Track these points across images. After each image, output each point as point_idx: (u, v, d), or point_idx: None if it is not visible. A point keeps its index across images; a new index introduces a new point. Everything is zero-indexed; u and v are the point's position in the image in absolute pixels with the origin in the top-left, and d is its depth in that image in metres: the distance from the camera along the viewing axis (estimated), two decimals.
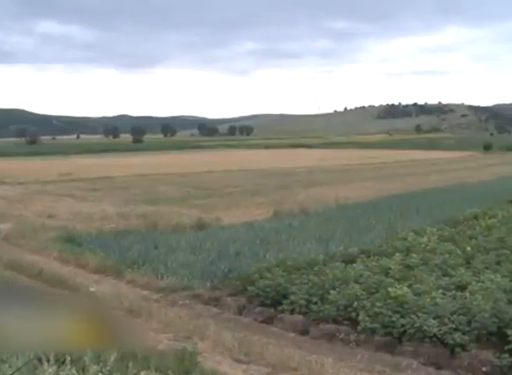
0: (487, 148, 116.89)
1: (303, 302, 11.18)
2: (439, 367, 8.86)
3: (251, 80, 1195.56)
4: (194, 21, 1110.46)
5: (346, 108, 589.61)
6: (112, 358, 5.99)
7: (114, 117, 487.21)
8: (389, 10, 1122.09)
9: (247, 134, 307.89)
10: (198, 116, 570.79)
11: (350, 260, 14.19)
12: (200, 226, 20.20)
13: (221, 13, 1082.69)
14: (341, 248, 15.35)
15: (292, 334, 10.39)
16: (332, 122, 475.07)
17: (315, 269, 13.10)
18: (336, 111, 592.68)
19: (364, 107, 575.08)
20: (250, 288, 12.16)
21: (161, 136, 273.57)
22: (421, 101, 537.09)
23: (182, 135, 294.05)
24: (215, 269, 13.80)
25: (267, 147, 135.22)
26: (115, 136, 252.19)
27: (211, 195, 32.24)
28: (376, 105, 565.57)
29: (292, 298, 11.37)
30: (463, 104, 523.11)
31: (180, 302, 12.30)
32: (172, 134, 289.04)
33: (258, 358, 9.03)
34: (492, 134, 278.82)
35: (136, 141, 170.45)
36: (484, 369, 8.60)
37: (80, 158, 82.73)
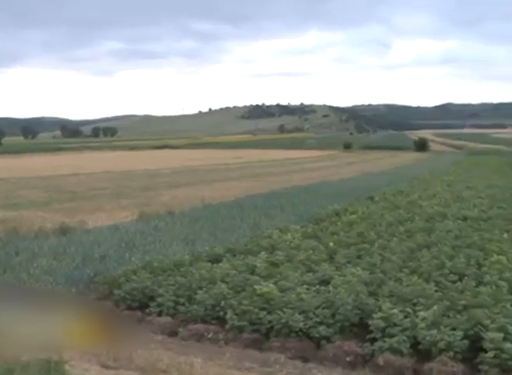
0: (347, 146, 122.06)
1: (170, 304, 11.12)
2: (305, 360, 9.07)
3: (115, 80, 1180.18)
4: (55, 19, 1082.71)
5: (210, 109, 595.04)
6: None
7: None
8: (249, 12, 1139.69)
9: (111, 136, 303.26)
10: (60, 117, 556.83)
11: (216, 260, 14.23)
12: (64, 230, 19.59)
13: (83, 12, 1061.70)
14: (207, 248, 15.38)
15: (160, 336, 10.29)
16: (197, 122, 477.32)
17: (182, 270, 13.05)
18: (200, 111, 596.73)
19: (228, 107, 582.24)
20: (116, 292, 11.95)
21: (21, 138, 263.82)
22: (284, 102, 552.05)
23: (44, 137, 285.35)
24: (80, 274, 13.44)
25: (131, 148, 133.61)
26: None
27: (75, 199, 31.37)
28: (240, 105, 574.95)
29: (159, 300, 11.27)
30: (324, 105, 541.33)
31: None
32: (34, 136, 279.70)
33: (127, 362, 8.89)
34: (351, 134, 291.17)
35: None
36: (348, 358, 8.91)
37: None
